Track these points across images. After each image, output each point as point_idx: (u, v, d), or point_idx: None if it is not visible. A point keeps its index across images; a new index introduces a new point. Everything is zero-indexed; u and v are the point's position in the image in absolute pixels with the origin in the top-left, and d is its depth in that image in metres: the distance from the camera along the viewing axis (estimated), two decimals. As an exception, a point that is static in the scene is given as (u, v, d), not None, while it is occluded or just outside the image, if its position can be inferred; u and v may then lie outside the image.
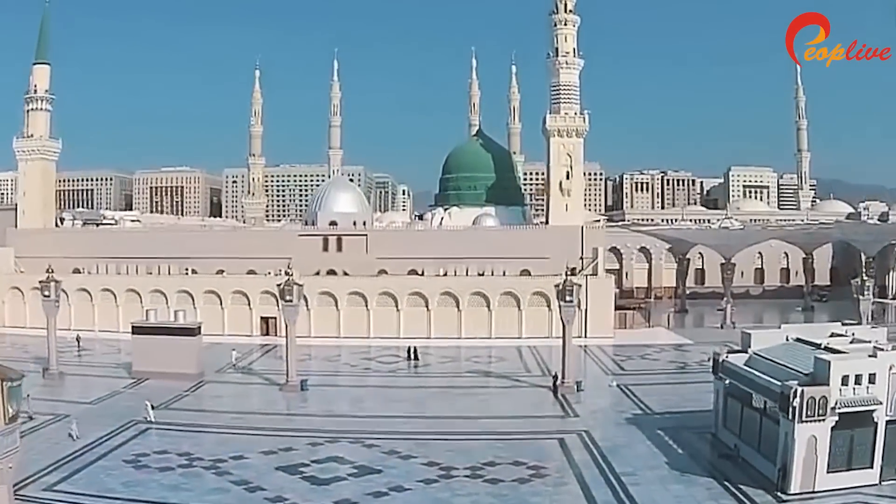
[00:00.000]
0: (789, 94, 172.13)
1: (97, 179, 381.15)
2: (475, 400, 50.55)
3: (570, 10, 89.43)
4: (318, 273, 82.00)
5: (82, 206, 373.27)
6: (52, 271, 58.81)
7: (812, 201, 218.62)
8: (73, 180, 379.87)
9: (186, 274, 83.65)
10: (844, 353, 34.02)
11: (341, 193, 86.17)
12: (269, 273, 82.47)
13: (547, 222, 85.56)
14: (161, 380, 54.46)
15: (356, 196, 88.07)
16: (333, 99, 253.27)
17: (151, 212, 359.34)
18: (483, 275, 78.52)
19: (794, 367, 34.14)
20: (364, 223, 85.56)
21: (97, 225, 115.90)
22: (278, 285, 53.37)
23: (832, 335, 38.89)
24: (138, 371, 57.20)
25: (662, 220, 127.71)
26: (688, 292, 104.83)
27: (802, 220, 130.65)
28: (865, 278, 55.51)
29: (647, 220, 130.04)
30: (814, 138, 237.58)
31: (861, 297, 55.55)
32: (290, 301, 52.80)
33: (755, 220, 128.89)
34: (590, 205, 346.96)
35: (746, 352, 39.11)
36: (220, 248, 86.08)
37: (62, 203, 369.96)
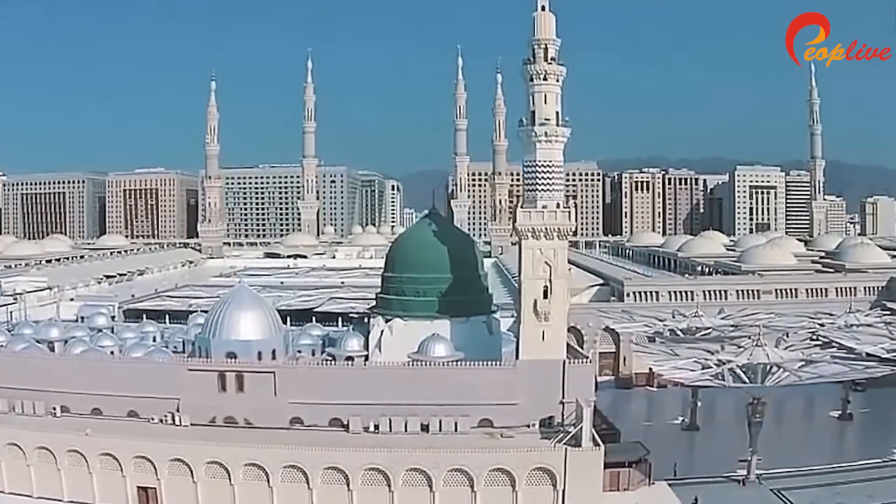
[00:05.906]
0: (791, 89, 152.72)
1: (69, 182, 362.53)
2: None
3: (553, 59, 62.81)
4: (213, 419, 62.81)
5: (53, 212, 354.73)
6: None
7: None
8: (44, 183, 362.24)
9: (54, 415, 65.52)
10: None
11: (243, 314, 64.13)
12: (153, 419, 64.00)
13: (517, 355, 63.95)
14: None
15: (262, 316, 65.87)
16: (307, 102, 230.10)
17: (126, 219, 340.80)
18: (427, 427, 59.35)
19: None
20: (273, 352, 64.19)
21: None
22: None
23: None
24: None
25: (670, 296, 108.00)
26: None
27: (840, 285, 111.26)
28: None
29: (651, 292, 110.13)
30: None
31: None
32: None
33: (781, 292, 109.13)
34: (585, 208, 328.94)
35: None
36: (97, 382, 66.83)
37: (30, 210, 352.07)
